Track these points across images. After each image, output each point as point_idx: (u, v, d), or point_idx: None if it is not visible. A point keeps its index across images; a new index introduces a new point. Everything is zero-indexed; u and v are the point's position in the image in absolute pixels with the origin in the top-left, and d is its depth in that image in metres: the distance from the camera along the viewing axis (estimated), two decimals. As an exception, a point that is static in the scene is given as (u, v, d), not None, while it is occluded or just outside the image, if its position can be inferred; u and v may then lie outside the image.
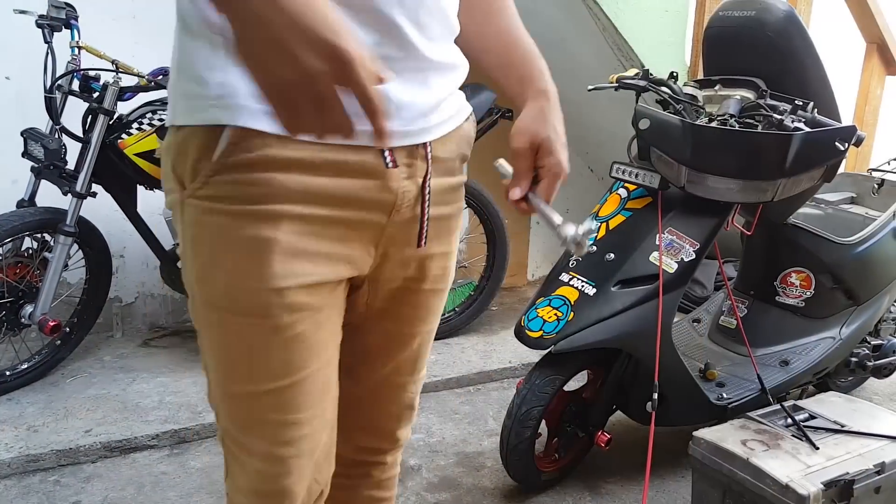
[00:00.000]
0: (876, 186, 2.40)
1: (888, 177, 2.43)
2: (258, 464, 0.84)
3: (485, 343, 2.83)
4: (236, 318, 0.77)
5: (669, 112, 1.80)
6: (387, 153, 0.77)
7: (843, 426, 1.70)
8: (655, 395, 1.69)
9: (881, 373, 2.40)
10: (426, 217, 0.85)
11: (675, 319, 1.95)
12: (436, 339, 2.84)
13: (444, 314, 2.86)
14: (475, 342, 2.84)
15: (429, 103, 0.79)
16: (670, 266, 1.73)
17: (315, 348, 0.80)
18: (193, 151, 0.72)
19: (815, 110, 1.71)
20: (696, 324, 2.37)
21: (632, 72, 1.92)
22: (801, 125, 1.64)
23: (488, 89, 2.62)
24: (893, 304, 2.37)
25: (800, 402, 1.85)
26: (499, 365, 2.62)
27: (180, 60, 0.73)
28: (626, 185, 1.87)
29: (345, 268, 0.80)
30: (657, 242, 1.74)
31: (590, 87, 1.99)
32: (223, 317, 0.78)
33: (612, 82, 1.92)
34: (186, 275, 0.80)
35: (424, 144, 0.81)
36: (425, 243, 0.86)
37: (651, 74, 1.88)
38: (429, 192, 0.84)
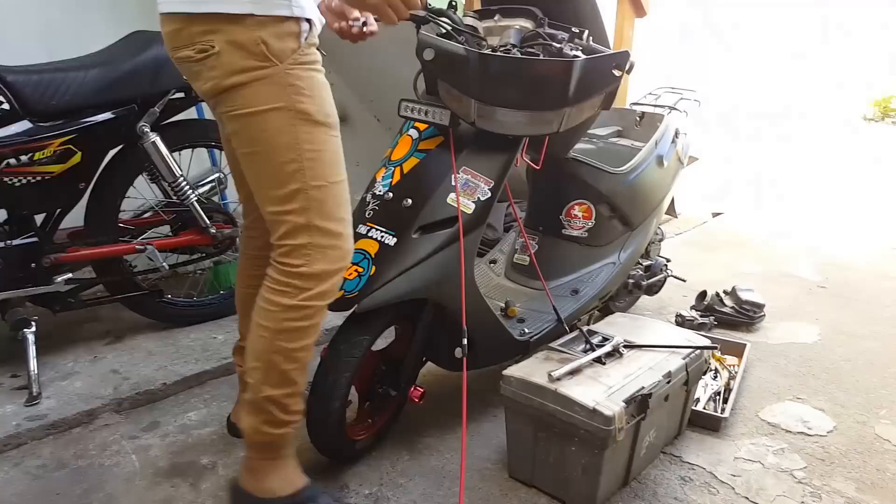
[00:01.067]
0: (638, 119, 2.59)
1: (647, 109, 2.62)
2: (343, 242, 1.37)
3: (276, 311, 2.58)
4: (332, 131, 1.34)
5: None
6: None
7: (632, 343, 1.80)
8: (465, 341, 1.62)
9: (652, 290, 2.64)
10: None
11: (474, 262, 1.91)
12: (224, 314, 2.51)
13: (230, 286, 2.55)
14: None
15: None
16: (468, 207, 1.66)
17: None
18: (289, 36, 1.25)
19: (591, 38, 1.72)
20: (492, 264, 2.38)
21: (408, 1, 1.78)
22: (579, 53, 1.64)
23: None
24: (659, 227, 2.60)
25: (592, 327, 1.93)
26: (294, 333, 2.40)
27: None
28: (417, 125, 1.75)
29: None
30: (453, 183, 1.65)
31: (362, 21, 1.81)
32: (327, 132, 1.33)
33: (388, 13, 1.76)
34: (286, 119, 1.27)
35: None
36: None
37: (430, 5, 1.75)
38: None
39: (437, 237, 1.63)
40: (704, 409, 2.01)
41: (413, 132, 1.77)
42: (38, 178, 1.94)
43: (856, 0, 7.93)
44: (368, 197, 1.71)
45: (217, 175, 2.47)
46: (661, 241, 2.74)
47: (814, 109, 7.96)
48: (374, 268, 1.59)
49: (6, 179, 1.89)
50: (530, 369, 1.67)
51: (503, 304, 2.07)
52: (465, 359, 1.64)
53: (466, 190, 1.67)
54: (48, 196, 2.01)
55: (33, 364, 1.98)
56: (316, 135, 1.29)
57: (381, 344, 1.74)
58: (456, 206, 1.64)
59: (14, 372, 2.10)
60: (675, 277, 2.79)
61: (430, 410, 1.98)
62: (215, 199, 2.52)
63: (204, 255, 2.44)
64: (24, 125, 1.90)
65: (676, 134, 2.50)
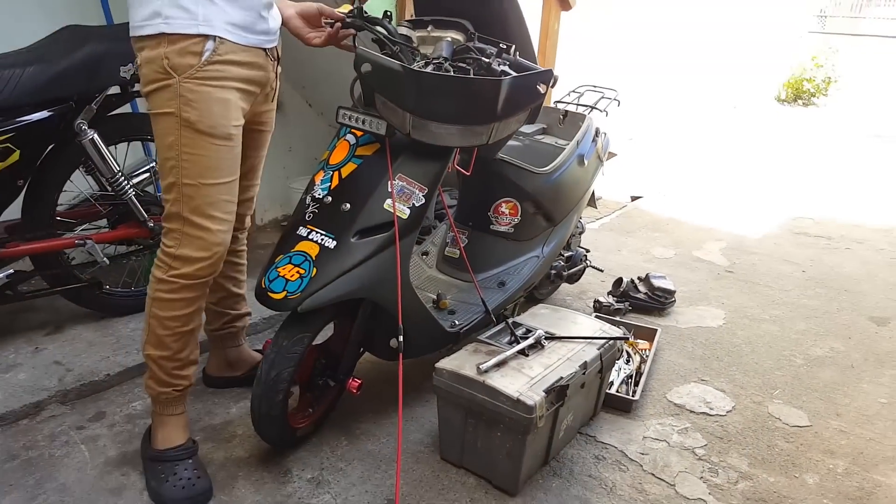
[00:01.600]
0: (562, 117, 2.74)
1: (570, 108, 2.78)
2: (209, 235, 1.58)
3: (216, 300, 2.64)
4: (215, 140, 1.52)
5: (386, 53, 1.79)
6: (268, 53, 1.63)
7: (553, 335, 1.98)
8: (401, 338, 1.76)
9: (573, 279, 2.84)
10: (277, 87, 1.77)
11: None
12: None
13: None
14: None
15: (274, 27, 1.62)
16: (403, 212, 1.78)
17: (238, 159, 1.62)
18: (189, 53, 1.45)
19: (517, 53, 1.85)
20: (425, 256, 2.51)
21: (345, 8, 1.85)
22: (507, 68, 1.76)
23: None
24: (579, 220, 2.79)
25: (517, 319, 2.10)
26: (236, 322, 2.47)
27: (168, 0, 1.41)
28: (354, 130, 1.84)
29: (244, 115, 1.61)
30: (389, 190, 1.76)
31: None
32: (208, 140, 1.51)
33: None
34: (173, 124, 1.49)
35: (275, 47, 1.66)
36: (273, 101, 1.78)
37: (365, 13, 1.84)
38: (278, 73, 1.75)
39: (374, 241, 1.74)
40: (618, 391, 2.21)
41: (350, 137, 1.85)
42: (-25, 177, 1.94)
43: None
44: (308, 199, 1.80)
45: (151, 165, 2.49)
46: (581, 233, 2.94)
47: (727, 91, 8.37)
48: (315, 269, 1.68)
49: (-58, 178, 1.89)
50: (460, 362, 1.82)
51: (435, 297, 2.20)
52: (401, 353, 1.78)
53: (402, 196, 1.79)
54: (-14, 194, 2.01)
55: (-26, 359, 2.00)
56: (196, 141, 1.51)
57: (320, 338, 1.86)
58: (392, 211, 1.76)
59: (-47, 366, 2.11)
60: (594, 267, 3.01)
61: (367, 398, 2.11)
62: (150, 189, 2.54)
63: (142, 246, 2.47)
64: (-42, 125, 1.89)
65: (597, 133, 2.68)
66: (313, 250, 1.71)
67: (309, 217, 1.76)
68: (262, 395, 1.70)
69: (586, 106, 2.79)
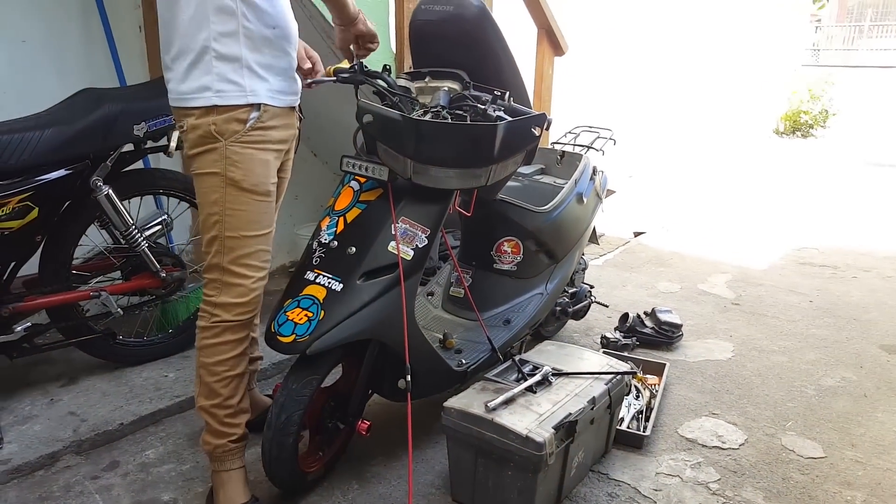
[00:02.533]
0: (559, 157, 2.82)
1: (567, 148, 2.86)
2: (248, 282, 1.69)
3: (227, 347, 2.68)
4: (256, 197, 1.65)
5: (386, 104, 1.87)
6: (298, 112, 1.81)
7: (560, 371, 2.00)
8: (409, 377, 1.79)
9: (578, 315, 2.86)
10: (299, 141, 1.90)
11: (414, 298, 2.07)
12: (173, 351, 2.63)
13: (178, 325, 2.65)
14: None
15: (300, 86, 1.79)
16: (407, 254, 1.82)
17: (274, 213, 1.75)
18: (235, 121, 1.58)
19: (511, 98, 1.92)
20: (430, 297, 2.55)
21: (346, 63, 1.94)
22: (502, 113, 1.83)
23: None
24: (582, 257, 2.83)
25: (524, 356, 2.13)
26: (246, 368, 2.51)
27: (216, 75, 1.55)
28: (358, 177, 1.91)
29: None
30: (393, 232, 1.81)
31: (308, 81, 1.97)
32: (251, 197, 1.64)
33: (329, 74, 1.93)
34: (218, 182, 1.61)
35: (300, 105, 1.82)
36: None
37: (366, 67, 1.92)
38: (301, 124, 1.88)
39: (380, 282, 1.79)
40: (628, 427, 2.21)
41: (354, 184, 1.92)
42: (-3, 235, 2.02)
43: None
44: (315, 244, 1.85)
45: (163, 218, 2.57)
46: (584, 269, 2.98)
47: (726, 126, 8.48)
48: (322, 312, 1.73)
49: (-34, 237, 1.96)
50: (468, 400, 1.84)
51: (441, 336, 2.24)
52: (410, 394, 1.80)
53: (405, 238, 1.84)
54: (6, 250, 2.10)
55: (-8, 411, 2.03)
56: (240, 198, 1.63)
57: (329, 380, 1.89)
58: (396, 253, 1.81)
59: (-28, 419, 2.15)
60: (599, 303, 3.03)
61: (376, 440, 2.12)
62: (161, 241, 2.62)
63: (154, 297, 2.53)
64: (-18, 186, 1.97)
65: (594, 172, 2.75)
66: (321, 293, 1.75)
67: (316, 261, 1.81)
68: (272, 438, 1.72)
69: (583, 146, 2.86)
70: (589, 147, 2.83)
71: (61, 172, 2.12)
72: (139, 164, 2.47)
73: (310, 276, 1.80)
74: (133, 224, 2.33)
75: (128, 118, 2.21)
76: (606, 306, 3.17)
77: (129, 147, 2.29)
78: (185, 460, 2.04)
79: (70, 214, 2.25)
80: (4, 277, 2.17)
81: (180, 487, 1.92)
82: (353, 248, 1.79)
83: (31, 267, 2.26)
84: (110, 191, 2.23)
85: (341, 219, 1.86)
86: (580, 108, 4.72)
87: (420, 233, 1.86)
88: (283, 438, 1.72)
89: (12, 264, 2.18)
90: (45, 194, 2.10)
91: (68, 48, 2.72)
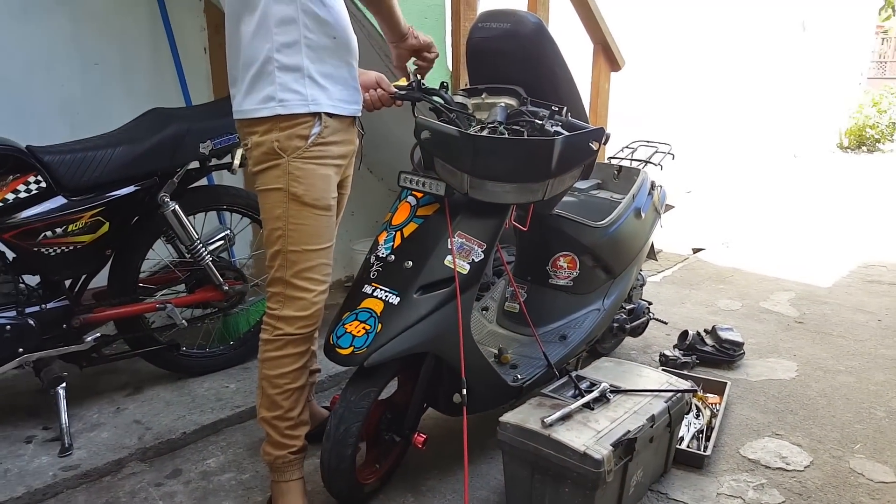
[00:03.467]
0: (616, 172, 2.78)
1: (624, 163, 2.83)
2: (310, 295, 1.71)
3: (285, 360, 2.74)
4: (318, 211, 1.68)
5: (443, 120, 1.90)
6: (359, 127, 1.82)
7: (618, 388, 1.96)
8: (465, 391, 1.78)
9: (636, 332, 2.81)
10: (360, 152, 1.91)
11: (469, 313, 2.07)
12: (234, 363, 2.68)
13: (239, 337, 2.72)
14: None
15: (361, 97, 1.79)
16: (464, 268, 1.83)
17: (334, 227, 1.78)
18: (297, 137, 1.61)
19: (569, 113, 1.92)
20: (485, 312, 2.54)
21: (404, 81, 1.98)
22: (559, 128, 1.83)
23: None
24: (640, 272, 2.78)
25: (581, 372, 2.09)
26: (304, 381, 2.55)
27: (279, 85, 1.58)
28: (415, 193, 1.93)
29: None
30: (449, 247, 1.82)
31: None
32: (312, 211, 1.67)
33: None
34: (281, 198, 1.65)
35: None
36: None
37: (423, 84, 1.95)
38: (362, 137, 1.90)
39: (436, 296, 1.80)
40: (688, 447, 2.15)
41: (411, 199, 1.94)
42: (71, 248, 2.12)
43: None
44: (372, 258, 1.88)
45: (226, 233, 2.64)
46: (642, 285, 2.92)
47: (787, 140, 8.24)
48: (380, 325, 1.75)
49: (43, 250, 2.08)
50: (524, 415, 1.82)
51: (496, 351, 2.23)
52: (465, 408, 1.80)
53: (462, 252, 1.85)
54: (79, 263, 2.20)
55: (65, 418, 2.12)
56: (302, 212, 1.67)
57: (385, 393, 1.90)
58: (453, 267, 1.82)
59: (45, 424, 2.24)
60: (657, 320, 2.97)
61: (431, 454, 2.12)
62: (224, 255, 2.70)
63: (217, 309, 2.61)
64: (58, 200, 2.08)
65: (652, 186, 2.71)
66: (378, 307, 1.77)
67: (373, 275, 1.84)
68: (331, 449, 1.74)
69: (640, 160, 2.83)
70: (647, 162, 2.80)
71: (131, 189, 2.21)
72: (204, 181, 2.55)
73: (367, 289, 1.82)
74: (198, 239, 2.41)
75: (194, 137, 2.30)
76: (665, 323, 3.10)
77: (194, 164, 2.39)
78: (244, 470, 2.08)
79: (138, 229, 2.35)
80: (76, 289, 2.28)
81: (240, 496, 1.96)
82: (410, 262, 1.81)
83: (101, 279, 2.36)
84: (177, 206, 2.32)
85: (398, 233, 1.88)
86: (637, 124, 4.67)
87: (476, 247, 1.87)
88: (342, 450, 1.74)
89: (84, 276, 2.29)
90: (116, 210, 2.19)
91: (138, 70, 2.85)
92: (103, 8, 2.71)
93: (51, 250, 2.09)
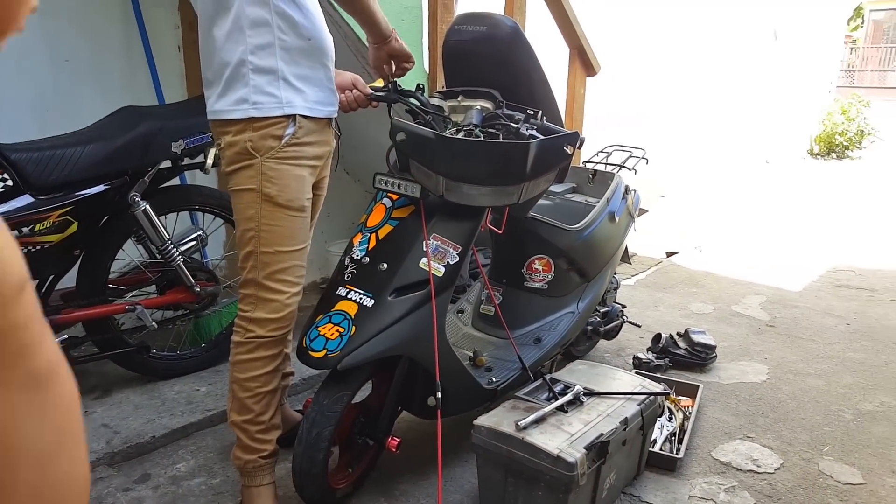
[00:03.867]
0: (591, 176, 2.80)
1: (598, 167, 2.85)
2: (283, 297, 1.70)
3: (258, 362, 2.71)
4: (291, 212, 1.66)
5: (419, 122, 1.89)
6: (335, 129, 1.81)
7: (592, 391, 1.97)
8: (439, 394, 1.78)
9: (610, 335, 2.83)
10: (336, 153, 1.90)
11: (443, 316, 2.06)
12: (205, 365, 2.65)
13: (210, 339, 2.68)
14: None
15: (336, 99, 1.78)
16: (439, 270, 1.83)
17: (308, 228, 1.76)
18: (271, 137, 1.59)
19: (544, 117, 1.93)
20: (460, 314, 2.54)
21: (380, 82, 1.97)
22: (535, 132, 1.84)
23: None
24: (614, 276, 2.80)
25: (555, 375, 2.10)
26: (276, 384, 2.53)
27: (253, 87, 1.57)
28: (390, 195, 1.92)
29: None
30: (424, 249, 1.82)
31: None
32: (286, 212, 1.65)
33: (362, 93, 1.95)
34: (254, 198, 1.63)
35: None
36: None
37: (399, 86, 1.95)
38: (338, 138, 1.87)
39: (411, 299, 1.79)
40: (661, 449, 2.17)
41: (387, 201, 1.93)
42: (38, 248, 2.07)
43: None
44: (347, 261, 1.87)
45: (198, 234, 2.61)
46: (616, 288, 2.94)
47: (758, 147, 8.38)
48: (353, 328, 1.73)
49: (8, 250, 2.01)
50: (498, 419, 1.82)
51: (471, 354, 2.22)
52: (440, 410, 1.80)
53: (437, 255, 1.84)
54: (47, 263, 2.15)
55: (29, 423, 2.06)
56: (275, 213, 1.65)
57: (359, 397, 1.89)
58: (428, 269, 1.81)
59: (7, 430, 2.18)
60: (631, 323, 2.99)
61: (405, 458, 2.10)
62: (196, 256, 2.66)
63: (188, 311, 2.57)
64: (25, 199, 2.03)
65: (626, 191, 2.73)
66: (352, 309, 1.76)
67: (348, 277, 1.83)
68: (303, 454, 1.72)
69: (615, 165, 2.85)
70: (621, 166, 2.82)
71: (100, 188, 2.17)
72: (175, 181, 2.52)
73: (341, 291, 1.81)
74: (169, 239, 2.37)
75: (166, 135, 2.26)
76: (639, 326, 3.12)
77: (166, 164, 2.35)
78: (215, 474, 2.05)
79: (108, 229, 2.30)
80: (43, 290, 2.22)
81: (210, 501, 1.93)
82: (385, 265, 1.80)
83: (69, 280, 2.31)
84: (147, 206, 2.28)
85: (373, 235, 1.88)
86: (612, 128, 4.71)
87: (452, 250, 1.87)
88: (314, 454, 1.72)
89: (51, 277, 2.24)
90: (85, 209, 2.15)
91: (109, 67, 2.80)
92: (74, 3, 2.65)
93: (17, 250, 2.03)
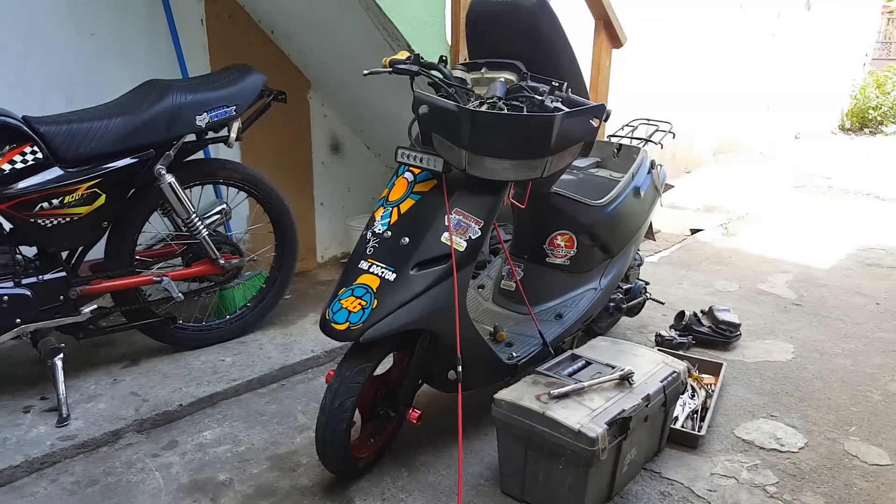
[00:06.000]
0: (616, 151, 2.76)
1: (624, 141, 2.80)
2: None
3: (283, 335, 2.75)
4: None
5: (441, 94, 1.87)
6: None
7: (613, 367, 1.97)
8: (460, 368, 1.79)
9: (632, 312, 2.81)
10: None
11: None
12: (230, 336, 2.71)
13: (235, 311, 2.72)
14: (273, 336, 2.74)
15: None
16: (460, 245, 1.82)
17: None
18: None
19: (569, 89, 1.89)
20: (480, 289, 2.54)
21: (403, 55, 1.95)
22: (560, 104, 1.80)
23: (256, 71, 2.49)
24: (637, 252, 2.77)
25: (576, 351, 2.10)
26: (301, 356, 2.56)
27: None
28: (412, 169, 1.91)
29: None
30: (446, 223, 1.81)
31: (365, 72, 1.98)
32: None
33: (385, 66, 1.94)
34: None
35: None
36: None
37: (422, 59, 1.93)
38: None
39: (432, 273, 1.79)
40: (683, 427, 2.16)
41: (408, 175, 1.93)
42: (68, 219, 2.12)
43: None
44: (368, 235, 1.87)
45: (222, 207, 2.63)
46: (639, 265, 2.91)
47: (788, 121, 8.18)
48: (375, 301, 1.74)
49: (39, 221, 2.07)
50: (519, 393, 1.83)
51: (492, 329, 2.23)
52: (460, 383, 1.81)
53: (459, 229, 1.84)
54: (76, 234, 2.19)
55: (62, 388, 2.13)
56: None
57: (380, 369, 1.90)
58: (450, 244, 1.81)
59: (42, 394, 2.25)
60: (654, 300, 2.97)
61: (426, 430, 2.13)
62: (220, 229, 2.69)
63: (213, 283, 2.61)
64: (54, 171, 2.07)
65: (652, 165, 2.69)
66: (374, 283, 1.77)
67: (370, 251, 1.83)
68: (326, 423, 1.75)
69: (641, 139, 2.80)
70: (647, 140, 2.77)
71: (127, 161, 2.20)
72: (200, 154, 2.53)
73: (363, 265, 1.81)
74: (194, 212, 2.40)
75: (191, 109, 2.28)
76: (662, 303, 3.10)
77: (191, 137, 2.36)
78: (240, 442, 2.09)
79: (134, 202, 2.34)
80: (73, 261, 2.27)
81: (235, 468, 1.97)
82: (407, 239, 1.80)
83: (98, 252, 2.35)
84: (173, 179, 2.30)
85: (395, 209, 1.87)
86: (638, 101, 4.63)
87: (473, 224, 1.86)
88: (337, 424, 1.74)
89: (80, 248, 2.28)
90: (112, 182, 2.18)
91: (134, 41, 2.80)
92: (98, -24, 2.66)
93: (47, 221, 2.08)
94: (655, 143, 2.76)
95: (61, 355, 2.17)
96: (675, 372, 2.01)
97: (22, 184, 2.03)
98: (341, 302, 1.76)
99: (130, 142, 2.18)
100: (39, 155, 2.03)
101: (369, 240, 1.85)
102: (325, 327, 1.75)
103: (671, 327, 2.92)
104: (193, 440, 2.10)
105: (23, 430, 2.05)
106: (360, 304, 1.74)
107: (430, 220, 1.82)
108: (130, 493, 1.85)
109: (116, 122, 2.14)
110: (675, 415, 2.18)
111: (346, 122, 3.51)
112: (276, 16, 3.04)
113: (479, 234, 1.86)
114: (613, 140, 2.85)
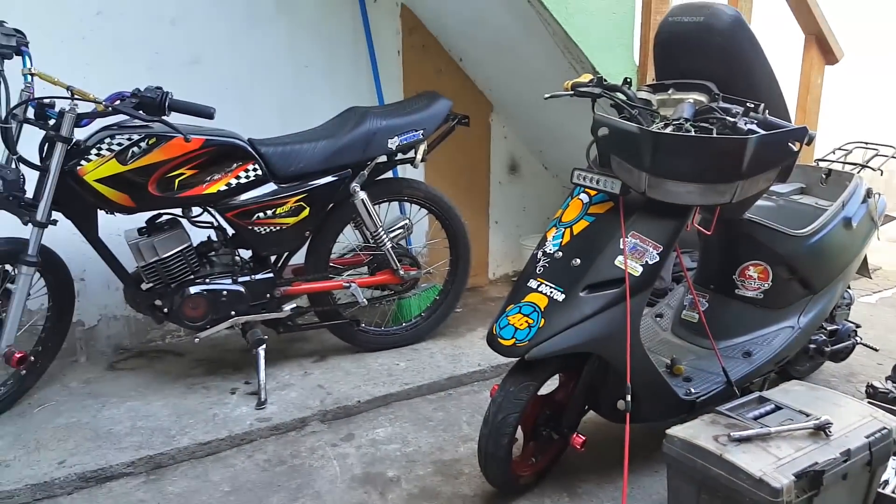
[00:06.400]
0: (824, 176, 2.49)
1: (834, 166, 2.52)
2: None
3: (452, 346, 2.86)
4: None
5: (624, 117, 1.83)
6: None
7: (808, 415, 1.76)
8: (629, 397, 1.72)
9: (838, 357, 2.50)
10: None
11: (640, 318, 1.98)
12: (404, 345, 2.87)
13: (410, 319, 2.90)
14: (443, 346, 2.86)
15: None
16: (636, 269, 1.76)
17: None
18: None
19: (767, 111, 1.75)
20: (658, 318, 2.42)
21: (586, 77, 1.94)
22: (754, 127, 1.68)
23: (444, 98, 2.65)
24: (847, 290, 2.47)
25: (765, 393, 1.91)
26: (468, 369, 2.65)
27: None
28: (588, 190, 1.89)
29: None
30: (621, 247, 1.76)
31: (546, 96, 2.01)
32: None
33: (567, 89, 1.94)
34: None
35: None
36: None
37: (605, 80, 1.90)
38: None
39: (603, 296, 1.75)
40: (893, 493, 1.88)
41: (584, 196, 1.91)
42: (278, 228, 2.43)
43: None
44: (539, 254, 1.88)
45: (405, 223, 2.83)
46: (849, 305, 2.58)
47: None
48: (542, 320, 1.74)
49: (256, 228, 2.40)
50: (695, 431, 1.70)
51: (669, 361, 2.11)
52: (629, 414, 1.74)
53: (634, 253, 1.78)
54: (284, 241, 2.49)
55: (263, 375, 2.41)
56: None
57: (546, 389, 1.89)
58: (623, 268, 1.75)
59: (246, 379, 2.56)
60: (866, 345, 2.61)
61: (591, 458, 2.07)
62: (402, 243, 2.88)
63: (393, 292, 2.80)
64: (270, 186, 2.40)
65: (868, 194, 2.38)
66: (542, 302, 1.77)
67: (539, 270, 1.84)
68: (488, 435, 1.77)
69: (855, 164, 2.50)
70: (863, 166, 2.47)
71: (329, 179, 2.48)
72: (389, 174, 2.74)
73: (532, 283, 1.82)
74: (381, 226, 2.61)
75: (385, 133, 2.51)
76: (876, 350, 2.71)
77: (382, 158, 2.58)
78: (409, 443, 2.20)
79: (332, 215, 2.60)
80: (279, 265, 2.57)
81: (403, 467, 2.07)
82: (578, 260, 1.78)
83: (298, 258, 2.64)
84: (365, 196, 2.53)
85: (568, 230, 1.87)
86: (856, 123, 4.13)
87: (651, 249, 1.79)
88: (499, 437, 1.76)
89: (286, 254, 2.58)
90: (315, 197, 2.46)
91: (340, 71, 3.11)
92: (314, 15, 2.99)
93: (262, 229, 2.40)
94: (874, 170, 2.45)
95: (265, 346, 2.46)
96: (885, 428, 1.75)
97: (244, 196, 2.36)
98: (508, 318, 1.78)
99: (332, 162, 2.45)
100: (259, 172, 2.35)
101: (540, 259, 1.86)
102: (492, 342, 1.79)
103: (888, 379, 2.53)
104: (368, 435, 2.25)
105: (228, 408, 2.34)
106: (527, 321, 1.76)
107: (603, 243, 1.79)
108: (311, 477, 2.02)
109: (322, 145, 2.41)
110: (885, 478, 1.89)
111: (525, 143, 3.57)
112: (465, 43, 3.20)
113: (657, 259, 1.78)
114: (822, 165, 2.58)
